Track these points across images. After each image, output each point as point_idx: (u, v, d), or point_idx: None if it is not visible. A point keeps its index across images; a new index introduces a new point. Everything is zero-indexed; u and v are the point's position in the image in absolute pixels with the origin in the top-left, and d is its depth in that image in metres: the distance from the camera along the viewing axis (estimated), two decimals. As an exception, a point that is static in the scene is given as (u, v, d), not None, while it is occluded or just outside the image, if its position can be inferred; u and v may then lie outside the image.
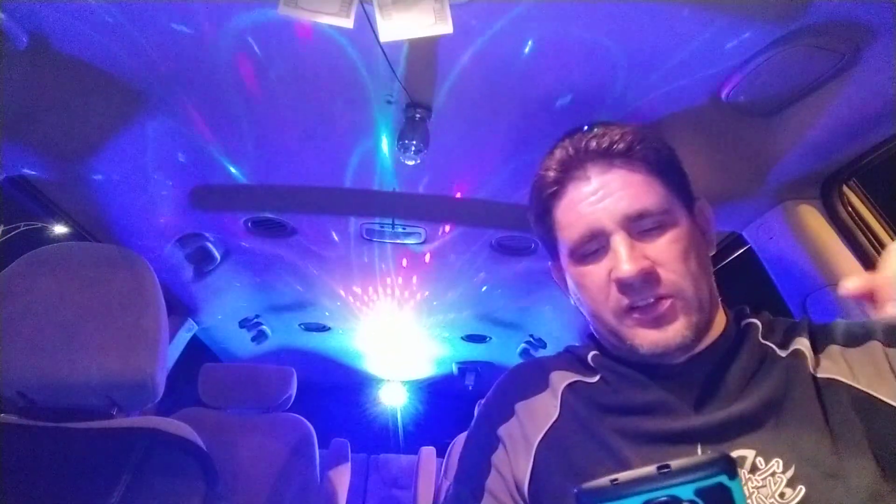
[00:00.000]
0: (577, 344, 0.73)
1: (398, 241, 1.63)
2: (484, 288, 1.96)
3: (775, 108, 0.90)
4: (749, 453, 0.53)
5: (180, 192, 1.36)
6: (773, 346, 0.60)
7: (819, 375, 0.56)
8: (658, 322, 0.57)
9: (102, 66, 0.92)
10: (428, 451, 2.80)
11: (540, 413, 0.65)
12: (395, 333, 2.50)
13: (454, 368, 3.14)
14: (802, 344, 0.59)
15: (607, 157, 0.61)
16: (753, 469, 0.52)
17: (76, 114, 1.02)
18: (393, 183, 1.32)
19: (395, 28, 0.76)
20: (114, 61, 0.92)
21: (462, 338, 2.58)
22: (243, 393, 1.85)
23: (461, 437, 2.37)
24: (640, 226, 0.59)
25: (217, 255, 1.69)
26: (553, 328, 2.22)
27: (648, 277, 0.56)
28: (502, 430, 0.66)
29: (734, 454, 0.52)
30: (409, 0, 0.74)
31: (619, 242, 0.58)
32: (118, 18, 0.82)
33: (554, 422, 0.63)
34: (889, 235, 0.99)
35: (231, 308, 2.16)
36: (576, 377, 0.67)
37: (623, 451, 0.57)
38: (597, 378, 0.66)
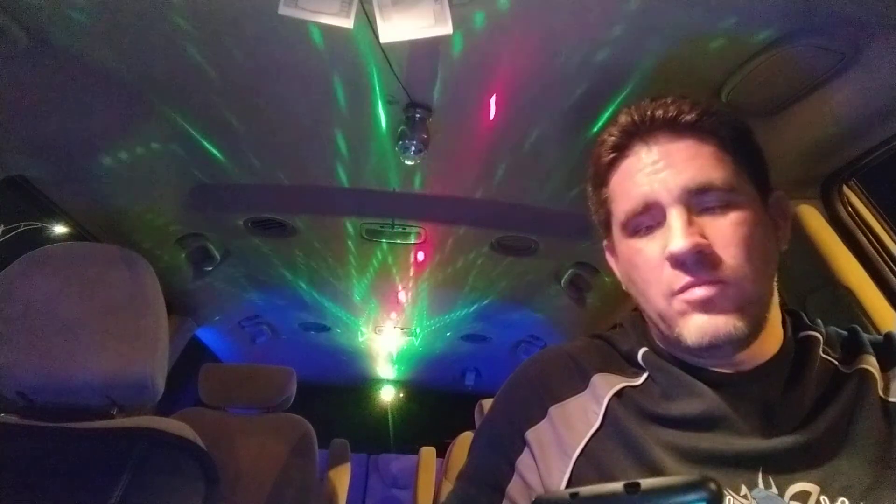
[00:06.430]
0: (605, 332, 0.67)
1: (398, 241, 1.63)
2: (484, 288, 1.96)
3: (775, 108, 0.89)
4: (813, 489, 0.48)
5: (180, 192, 1.36)
6: (836, 363, 0.55)
7: (890, 399, 0.51)
8: (707, 306, 0.51)
9: (102, 66, 0.92)
10: (428, 451, 2.80)
11: (578, 419, 0.58)
12: (395, 333, 2.51)
13: (454, 368, 3.14)
14: (869, 363, 0.54)
15: (674, 126, 0.56)
16: None
17: (76, 114, 1.02)
18: (393, 183, 1.32)
19: (395, 29, 0.77)
20: (113, 61, 0.92)
21: (462, 337, 2.58)
22: (243, 393, 1.85)
23: (461, 437, 2.37)
24: (701, 202, 0.53)
25: (217, 255, 1.69)
26: (552, 328, 2.22)
27: (704, 257, 0.50)
28: (531, 434, 0.59)
29: (797, 488, 0.48)
30: (409, 1, 0.74)
31: (676, 217, 0.52)
32: (117, 19, 0.82)
33: (595, 431, 0.56)
34: (889, 235, 0.99)
35: (231, 308, 2.16)
36: (622, 381, 0.59)
37: (670, 469, 0.50)
38: (643, 378, 0.59)
